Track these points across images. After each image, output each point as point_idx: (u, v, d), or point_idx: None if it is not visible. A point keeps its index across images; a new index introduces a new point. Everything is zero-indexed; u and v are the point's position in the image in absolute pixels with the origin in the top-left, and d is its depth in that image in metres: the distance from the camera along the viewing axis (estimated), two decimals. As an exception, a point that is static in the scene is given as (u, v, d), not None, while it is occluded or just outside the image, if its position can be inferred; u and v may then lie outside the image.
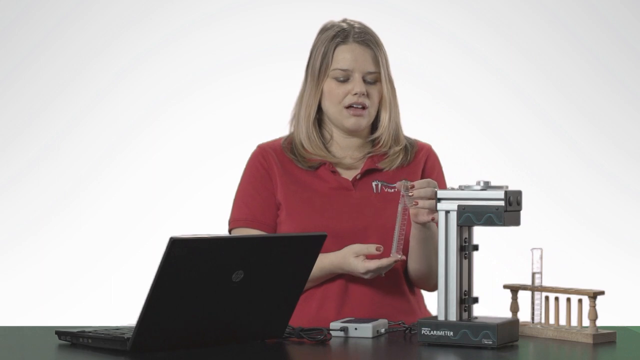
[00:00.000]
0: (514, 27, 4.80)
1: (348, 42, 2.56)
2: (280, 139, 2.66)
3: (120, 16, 4.74)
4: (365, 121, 2.56)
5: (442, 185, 2.61)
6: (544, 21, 4.80)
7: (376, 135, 2.60)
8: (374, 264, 2.40)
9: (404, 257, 2.42)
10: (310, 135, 2.58)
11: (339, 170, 2.59)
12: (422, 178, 2.60)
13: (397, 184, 2.38)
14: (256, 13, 4.74)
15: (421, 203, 2.36)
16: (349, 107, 2.54)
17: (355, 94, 2.53)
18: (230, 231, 2.62)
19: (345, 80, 2.55)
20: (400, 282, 2.56)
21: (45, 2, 4.73)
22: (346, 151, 2.61)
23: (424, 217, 2.40)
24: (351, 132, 2.59)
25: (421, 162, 2.63)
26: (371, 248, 2.42)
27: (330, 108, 2.56)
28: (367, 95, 2.54)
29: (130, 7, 4.74)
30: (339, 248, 2.48)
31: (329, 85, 2.55)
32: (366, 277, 2.44)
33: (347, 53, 2.55)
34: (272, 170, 2.58)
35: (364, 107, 2.54)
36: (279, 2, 4.73)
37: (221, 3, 4.75)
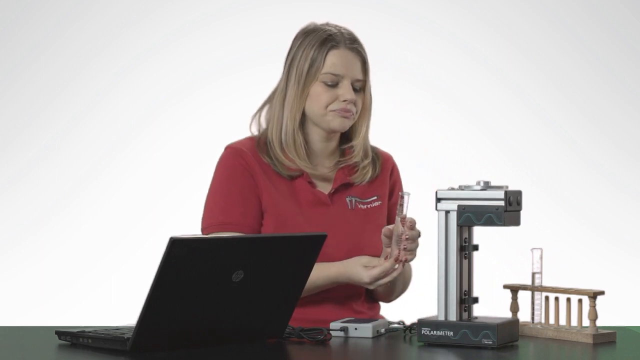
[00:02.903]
0: (514, 27, 4.80)
1: (340, 47, 2.53)
2: (251, 139, 2.59)
3: (120, 16, 4.74)
4: (349, 123, 2.54)
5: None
6: (544, 21, 4.80)
7: (352, 143, 2.58)
8: (376, 270, 2.40)
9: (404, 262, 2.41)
10: (296, 139, 2.53)
11: (314, 181, 2.56)
12: (388, 189, 2.62)
13: (401, 195, 2.36)
14: (256, 13, 4.74)
15: (410, 246, 2.36)
16: (335, 111, 2.52)
17: (345, 100, 2.50)
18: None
19: (334, 85, 2.52)
20: (361, 289, 2.56)
21: (45, 2, 4.73)
22: (318, 158, 2.58)
23: (410, 257, 2.40)
24: (331, 134, 2.56)
25: (387, 173, 2.64)
26: (381, 260, 2.41)
27: (316, 111, 2.52)
28: (354, 102, 2.53)
29: (130, 7, 4.74)
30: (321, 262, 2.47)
31: (317, 89, 2.51)
32: (370, 287, 2.44)
33: (339, 58, 2.52)
34: (254, 172, 2.52)
35: (350, 113, 2.53)
36: (279, 2, 4.73)
37: (221, 3, 4.75)
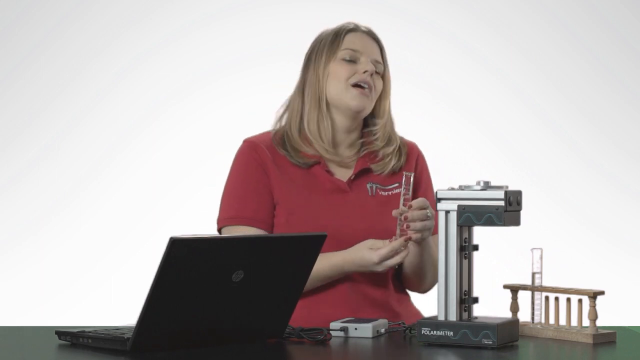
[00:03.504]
0: (514, 27, 4.80)
1: (357, 31, 2.58)
2: (267, 133, 2.60)
3: (120, 16, 4.74)
4: (368, 103, 2.54)
5: (430, 185, 2.64)
6: (544, 21, 4.80)
7: (376, 121, 2.58)
8: (384, 250, 2.39)
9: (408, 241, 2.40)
10: (319, 120, 2.54)
11: (333, 168, 2.57)
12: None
13: (405, 175, 2.38)
14: (256, 13, 4.74)
15: (413, 225, 2.36)
16: (355, 85, 2.53)
17: (365, 71, 2.51)
18: (219, 230, 2.55)
19: (352, 62, 2.54)
20: (387, 282, 2.55)
21: (45, 2, 4.73)
22: (338, 148, 2.59)
23: (415, 236, 2.40)
24: (353, 115, 2.56)
25: (412, 163, 2.63)
26: (386, 242, 2.41)
27: (336, 87, 2.53)
28: (373, 80, 2.54)
29: (130, 7, 4.74)
30: (339, 250, 2.48)
31: (335, 67, 2.54)
32: (380, 269, 2.42)
33: (356, 38, 2.56)
34: (267, 167, 2.53)
35: (369, 88, 2.53)
36: (279, 2, 4.73)
37: (221, 3, 4.75)
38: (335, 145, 2.58)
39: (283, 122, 2.61)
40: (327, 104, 2.56)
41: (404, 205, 2.37)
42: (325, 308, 2.49)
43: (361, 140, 2.60)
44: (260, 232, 2.51)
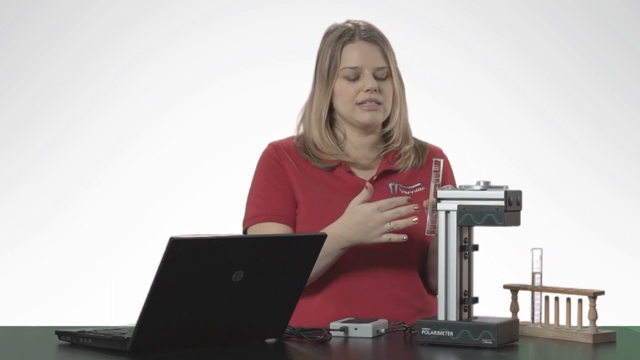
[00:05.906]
0: (514, 27, 4.80)
1: (355, 40, 2.55)
2: (291, 138, 2.63)
3: (120, 16, 4.74)
4: (381, 115, 2.54)
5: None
6: (544, 21, 4.81)
7: (387, 129, 2.59)
8: (383, 201, 2.37)
9: (434, 234, 2.34)
10: (323, 137, 2.56)
11: (355, 170, 2.58)
12: None
13: (434, 161, 2.34)
14: (256, 13, 4.74)
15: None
16: (362, 103, 2.53)
17: (367, 90, 2.51)
18: (246, 230, 2.56)
19: (355, 78, 2.53)
20: (419, 283, 2.55)
21: (45, 2, 4.74)
22: (359, 150, 2.59)
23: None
24: (366, 128, 2.57)
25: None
26: (364, 192, 2.40)
27: (343, 107, 2.54)
28: (379, 91, 2.53)
29: (130, 7, 4.74)
30: (362, 250, 2.48)
31: (340, 85, 2.54)
32: (380, 232, 2.38)
33: (354, 51, 2.54)
34: (287, 169, 2.56)
35: (378, 103, 2.53)
36: (279, 2, 4.73)
37: (221, 3, 4.76)
38: (355, 149, 2.59)
39: (301, 129, 2.63)
40: (335, 116, 2.58)
41: (434, 190, 2.33)
42: (354, 307, 2.49)
43: (384, 145, 2.61)
44: (283, 229, 2.52)
